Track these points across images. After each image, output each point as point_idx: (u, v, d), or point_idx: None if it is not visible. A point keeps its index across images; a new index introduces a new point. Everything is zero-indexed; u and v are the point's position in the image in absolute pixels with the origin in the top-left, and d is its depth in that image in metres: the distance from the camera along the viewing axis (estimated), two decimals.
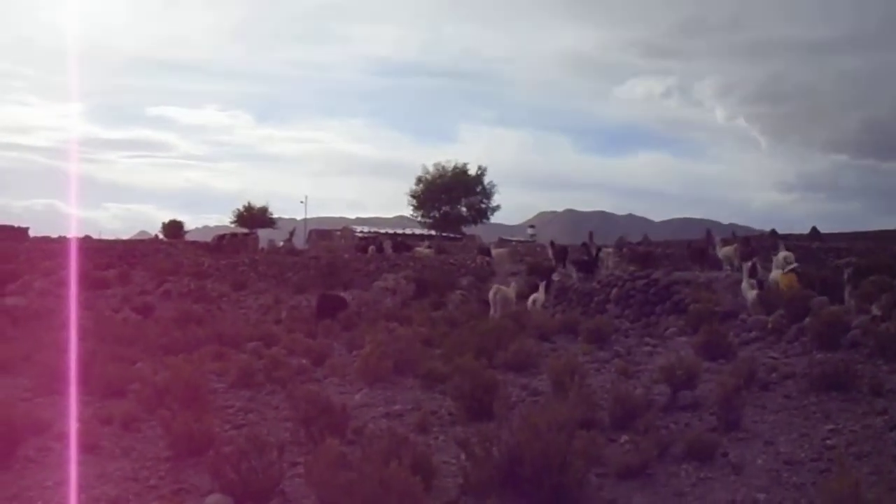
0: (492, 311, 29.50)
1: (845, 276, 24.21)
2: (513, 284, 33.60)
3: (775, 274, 27.25)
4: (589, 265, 37.72)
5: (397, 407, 16.13)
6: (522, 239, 79.46)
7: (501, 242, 71.64)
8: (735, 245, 38.02)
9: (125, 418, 14.84)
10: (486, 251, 55.06)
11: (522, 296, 32.43)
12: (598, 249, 43.45)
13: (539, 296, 30.95)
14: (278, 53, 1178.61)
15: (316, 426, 12.82)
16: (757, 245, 41.54)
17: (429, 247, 62.56)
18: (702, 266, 37.49)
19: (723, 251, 36.76)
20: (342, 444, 11.32)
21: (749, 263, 28.46)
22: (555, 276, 34.16)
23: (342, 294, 38.04)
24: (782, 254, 31.02)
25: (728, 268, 33.74)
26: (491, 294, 31.33)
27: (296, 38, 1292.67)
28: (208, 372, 18.90)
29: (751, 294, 24.98)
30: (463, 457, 11.07)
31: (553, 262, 42.21)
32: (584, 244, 47.83)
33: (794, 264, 28.80)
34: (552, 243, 49.51)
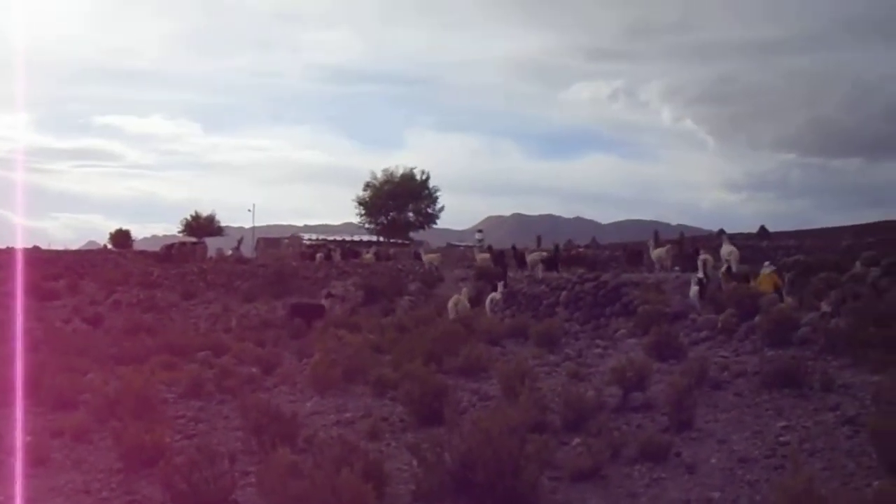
0: (451, 318, 29.47)
1: (787, 277, 24.39)
2: (464, 290, 33.63)
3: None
4: (553, 262, 39.65)
5: (348, 414, 15.96)
6: (470, 244, 79.43)
7: (450, 248, 71.59)
8: (667, 247, 38.45)
9: (76, 430, 14.64)
10: (417, 256, 56.30)
11: (472, 301, 32.59)
12: (556, 248, 44.26)
13: (496, 295, 31.75)
14: (226, 61, 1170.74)
15: (267, 435, 12.60)
16: (697, 246, 42.00)
17: (375, 253, 62.61)
18: (639, 268, 37.81)
19: (654, 253, 37.13)
20: (293, 452, 11.16)
21: (701, 258, 28.69)
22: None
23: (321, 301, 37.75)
24: (726, 248, 31.22)
25: (660, 269, 34.08)
26: (451, 303, 31.47)
27: (243, 45, 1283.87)
28: (159, 382, 18.64)
29: (692, 290, 25.12)
30: (415, 463, 10.94)
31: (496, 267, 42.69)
32: (513, 247, 50.16)
33: (725, 263, 29.04)
34: (490, 248, 50.57)
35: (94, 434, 14.62)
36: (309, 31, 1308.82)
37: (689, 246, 44.07)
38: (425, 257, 53.86)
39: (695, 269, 28.67)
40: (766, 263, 27.07)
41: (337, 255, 60.36)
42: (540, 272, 39.28)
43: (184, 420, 16.07)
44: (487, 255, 49.09)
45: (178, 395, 18.44)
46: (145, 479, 11.89)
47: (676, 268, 35.61)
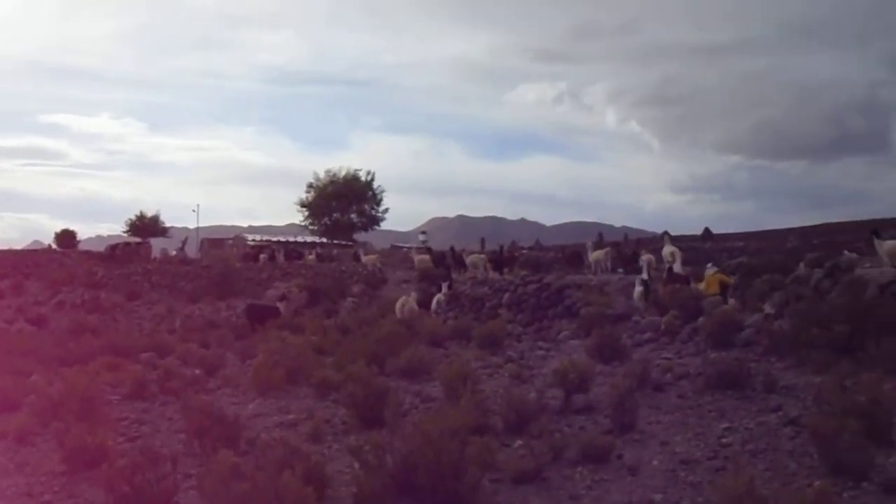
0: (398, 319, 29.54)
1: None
2: (412, 293, 33.70)
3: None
4: (500, 262, 40.23)
5: (291, 416, 15.73)
6: (414, 245, 79.44)
7: (393, 249, 71.53)
8: (606, 249, 38.77)
9: (19, 432, 14.37)
10: (357, 257, 56.66)
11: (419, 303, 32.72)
12: (502, 249, 44.64)
13: (441, 296, 32.42)
14: (172, 61, 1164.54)
15: (209, 437, 12.49)
16: (636, 248, 42.49)
17: (318, 255, 62.57)
18: (578, 270, 38.10)
19: (593, 255, 37.42)
20: (236, 454, 11.03)
21: (644, 258, 28.83)
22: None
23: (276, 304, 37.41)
24: (668, 249, 31.37)
25: (599, 271, 34.31)
26: (398, 305, 31.59)
27: (189, 45, 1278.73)
28: (103, 383, 18.40)
29: (636, 291, 25.22)
30: (356, 465, 10.80)
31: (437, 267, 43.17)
32: (451, 248, 50.31)
33: (667, 263, 29.23)
34: (429, 249, 50.97)
35: (38, 436, 14.36)
36: (254, 32, 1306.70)
37: (628, 248, 44.60)
38: (364, 258, 54.08)
39: (636, 272, 28.82)
40: (709, 265, 27.20)
41: (280, 257, 60.26)
42: (483, 272, 39.55)
43: (127, 422, 15.81)
44: (426, 257, 49.46)
45: (121, 396, 18.15)
46: (88, 481, 11.66)
47: (620, 270, 35.81)
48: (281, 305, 35.90)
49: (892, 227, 47.62)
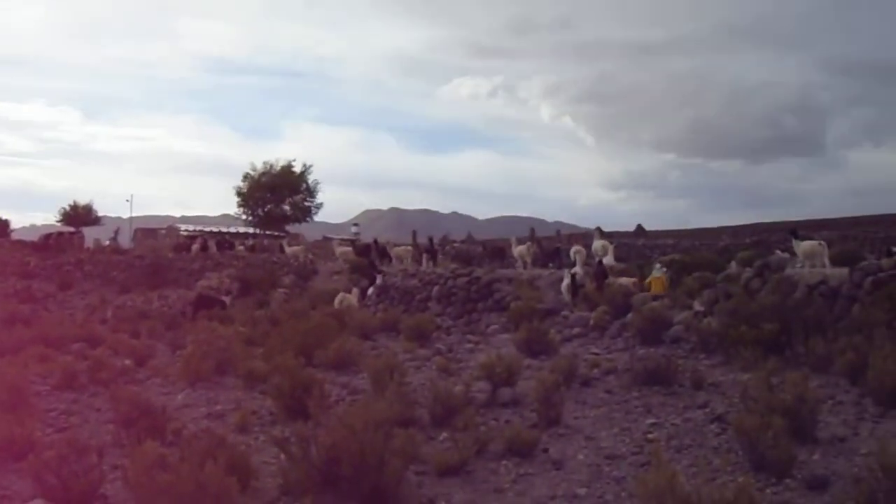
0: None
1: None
2: (354, 290, 33.74)
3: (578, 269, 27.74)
4: (433, 252, 41.07)
5: (219, 407, 15.57)
6: (347, 237, 79.18)
7: (325, 241, 71.21)
8: (528, 244, 38.99)
9: None
10: (282, 248, 56.36)
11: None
12: (432, 241, 45.09)
13: (371, 288, 32.98)
14: (107, 49, 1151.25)
15: (137, 428, 12.23)
16: (556, 244, 42.96)
17: (251, 246, 62.31)
18: (501, 264, 38.34)
19: (517, 250, 37.58)
20: (162, 445, 10.75)
21: (574, 250, 28.98)
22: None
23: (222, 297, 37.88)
24: (597, 243, 31.47)
25: (522, 266, 34.44)
26: (337, 300, 31.70)
27: (125, 33, 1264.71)
28: (33, 374, 18.09)
29: (564, 283, 25.30)
30: (282, 457, 10.66)
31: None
32: (374, 241, 50.76)
33: (597, 257, 29.40)
34: (352, 241, 51.40)
35: None
36: (191, 22, 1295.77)
37: (550, 244, 44.91)
38: (289, 250, 54.01)
39: (560, 267, 28.93)
40: (658, 266, 27.25)
41: (213, 247, 59.84)
42: (410, 264, 39.77)
43: (56, 413, 15.47)
44: (348, 249, 49.70)
45: (51, 387, 17.79)
46: (15, 473, 11.26)
47: (551, 265, 35.91)
48: (227, 298, 36.88)
49: (825, 228, 48.38)
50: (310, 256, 51.49)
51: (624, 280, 25.87)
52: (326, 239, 74.15)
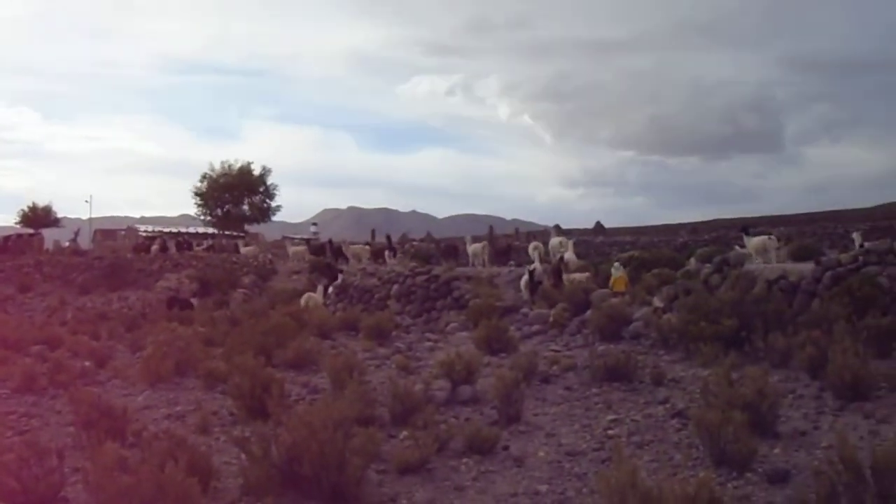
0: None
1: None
2: (319, 288, 33.84)
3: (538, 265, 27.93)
4: (393, 250, 42.26)
5: (179, 408, 15.43)
6: (306, 236, 79.12)
7: (285, 241, 71.16)
8: (483, 243, 39.32)
9: None
10: (236, 248, 57.65)
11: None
12: (390, 239, 45.77)
13: (331, 289, 33.47)
14: (64, 49, 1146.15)
15: (97, 430, 12.10)
16: (509, 242, 43.32)
17: (210, 246, 62.37)
18: (456, 262, 38.60)
19: (471, 248, 37.89)
20: (122, 447, 10.74)
21: (532, 245, 29.09)
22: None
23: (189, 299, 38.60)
24: (555, 240, 31.57)
25: (476, 264, 34.68)
26: (303, 301, 31.71)
27: (82, 33, 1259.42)
28: None
29: (523, 279, 25.41)
30: (243, 457, 10.58)
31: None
32: (329, 241, 52.28)
33: (556, 254, 29.51)
34: (307, 241, 52.12)
35: None
36: (147, 21, 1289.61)
37: (502, 242, 45.22)
38: (243, 250, 54.29)
39: (517, 265, 29.04)
40: (616, 265, 27.36)
41: (172, 247, 59.75)
42: (367, 263, 40.23)
43: (16, 416, 15.23)
44: (300, 248, 50.33)
45: (10, 390, 17.62)
46: None
47: (512, 262, 36.12)
48: (194, 301, 37.82)
49: (783, 224, 48.77)
50: (269, 256, 51.43)
51: (578, 276, 26.01)
52: (285, 238, 74.00)
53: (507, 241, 46.16)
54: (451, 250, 43.97)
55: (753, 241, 25.17)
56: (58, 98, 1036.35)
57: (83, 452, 11.79)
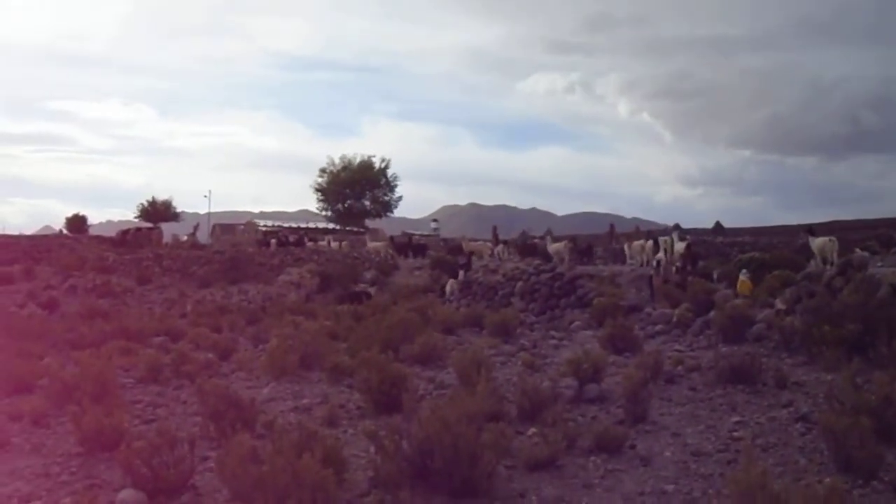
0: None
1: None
2: (451, 281, 34.65)
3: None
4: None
5: (305, 401, 15.86)
6: (426, 233, 79.52)
7: (404, 236, 71.70)
8: (565, 242, 39.53)
9: (34, 414, 14.44)
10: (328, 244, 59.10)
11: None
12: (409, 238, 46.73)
13: (454, 283, 34.26)
14: (181, 47, 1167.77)
15: (225, 420, 12.52)
16: (590, 243, 43.65)
17: (298, 240, 63.11)
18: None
19: (552, 247, 38.38)
20: (252, 438, 11.05)
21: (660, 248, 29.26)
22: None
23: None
24: (680, 244, 31.46)
25: (558, 262, 34.85)
26: (448, 288, 33.80)
27: (198, 31, 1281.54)
28: (116, 367, 18.45)
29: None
30: (372, 450, 10.90)
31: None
32: (409, 237, 55.90)
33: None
34: (391, 237, 53.69)
35: (53, 418, 14.46)
36: (264, 19, 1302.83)
37: (583, 242, 45.29)
38: (369, 245, 55.43)
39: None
40: (743, 271, 27.29)
41: (304, 241, 60.80)
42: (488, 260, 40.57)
43: (142, 405, 15.91)
44: (378, 244, 51.53)
45: (135, 380, 18.35)
46: (104, 463, 11.71)
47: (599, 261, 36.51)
48: (371, 290, 38.94)
49: None
50: (390, 252, 51.81)
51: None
52: (406, 234, 74.46)
53: (589, 241, 46.27)
54: (530, 248, 44.46)
55: (817, 242, 25.29)
56: (174, 95, 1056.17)
57: (211, 442, 12.29)
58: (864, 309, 16.75)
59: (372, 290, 37.94)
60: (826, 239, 26.42)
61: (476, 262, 39.43)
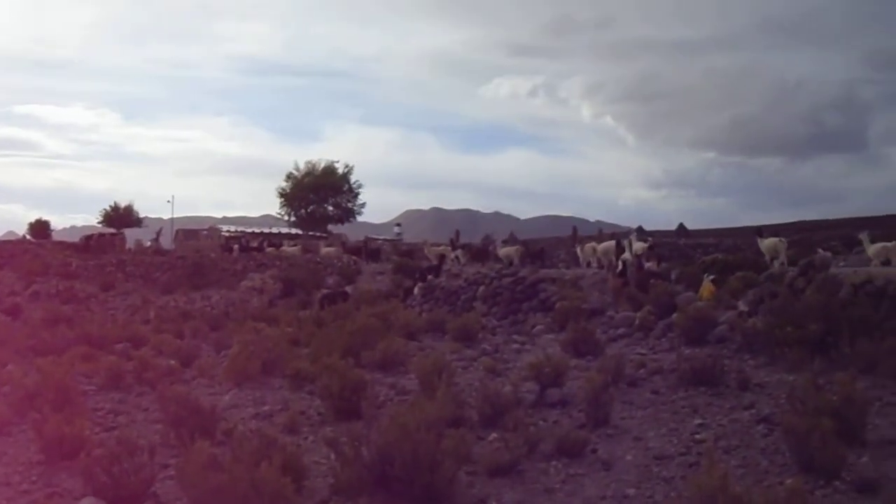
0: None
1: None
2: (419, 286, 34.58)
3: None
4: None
5: (266, 408, 15.78)
6: (389, 237, 79.39)
7: (368, 240, 71.60)
8: (517, 247, 39.94)
9: None
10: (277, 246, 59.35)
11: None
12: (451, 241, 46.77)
13: (417, 290, 33.89)
14: (144, 51, 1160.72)
15: (186, 428, 12.39)
16: (542, 246, 44.04)
17: (295, 244, 62.99)
18: (484, 265, 39.32)
19: (503, 251, 39.04)
20: (212, 445, 10.99)
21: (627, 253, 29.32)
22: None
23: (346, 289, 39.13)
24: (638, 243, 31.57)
25: (508, 266, 35.20)
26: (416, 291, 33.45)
27: (162, 36, 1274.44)
28: (78, 374, 18.36)
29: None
30: (332, 457, 10.84)
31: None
32: (365, 241, 56.26)
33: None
34: (343, 242, 54.55)
35: (14, 426, 14.23)
36: (227, 23, 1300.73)
37: (536, 246, 45.54)
38: (323, 251, 55.61)
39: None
40: (706, 275, 27.41)
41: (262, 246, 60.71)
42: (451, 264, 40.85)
43: (103, 412, 15.78)
44: (332, 249, 52.15)
45: (97, 386, 18.13)
46: (65, 471, 11.59)
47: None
48: (349, 289, 38.79)
49: (868, 226, 48.01)
50: (352, 257, 51.74)
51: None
52: (369, 239, 74.30)
53: (540, 246, 46.53)
54: (482, 253, 44.99)
55: (766, 243, 25.54)
56: (138, 100, 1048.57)
57: (172, 450, 12.16)
58: (826, 309, 16.79)
59: (349, 289, 37.89)
60: (777, 239, 26.87)
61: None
